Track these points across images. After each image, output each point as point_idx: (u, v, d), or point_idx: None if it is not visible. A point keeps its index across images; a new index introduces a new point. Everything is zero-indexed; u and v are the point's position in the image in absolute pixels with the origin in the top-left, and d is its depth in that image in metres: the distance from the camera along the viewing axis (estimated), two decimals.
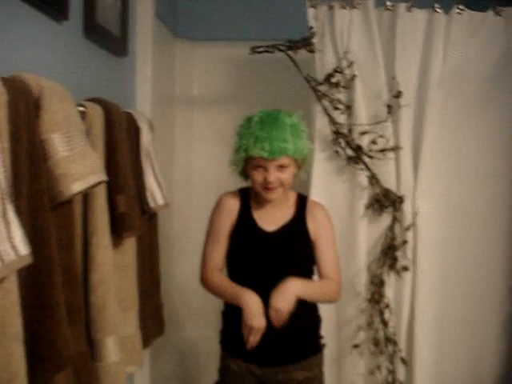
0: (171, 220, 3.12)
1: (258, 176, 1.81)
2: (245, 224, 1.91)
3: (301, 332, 1.88)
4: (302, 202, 1.94)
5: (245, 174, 1.91)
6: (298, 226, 1.90)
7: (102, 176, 1.36)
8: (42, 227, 1.22)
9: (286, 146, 1.76)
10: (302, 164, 1.89)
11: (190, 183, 3.19)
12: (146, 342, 2.02)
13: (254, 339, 1.73)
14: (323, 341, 1.97)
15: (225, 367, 1.94)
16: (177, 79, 3.05)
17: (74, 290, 1.42)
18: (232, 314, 1.84)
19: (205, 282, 1.94)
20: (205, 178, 3.14)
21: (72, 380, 1.28)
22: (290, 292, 1.74)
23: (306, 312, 1.87)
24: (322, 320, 1.97)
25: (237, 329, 1.79)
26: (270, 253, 1.86)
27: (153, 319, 2.11)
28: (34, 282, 1.21)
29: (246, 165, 1.86)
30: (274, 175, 1.78)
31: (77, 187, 1.26)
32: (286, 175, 1.81)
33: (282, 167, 1.79)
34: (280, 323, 1.73)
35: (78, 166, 1.28)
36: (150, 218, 2.09)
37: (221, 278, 1.91)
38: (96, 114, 1.60)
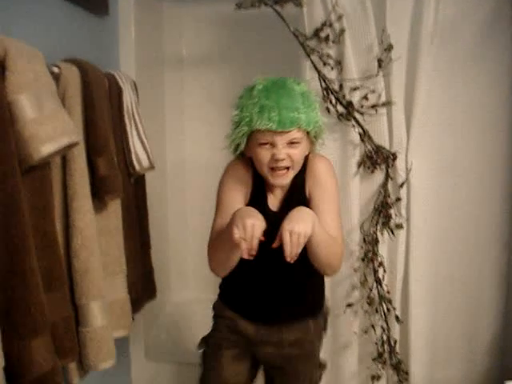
0: (165, 185, 3.09)
1: (264, 154, 1.51)
2: (256, 205, 1.57)
3: (305, 290, 1.72)
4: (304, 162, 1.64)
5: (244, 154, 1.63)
6: (297, 196, 1.63)
7: (74, 137, 1.32)
8: (11, 192, 1.19)
9: (298, 116, 1.48)
10: (316, 139, 1.62)
11: (182, 145, 3.15)
12: (137, 306, 2.01)
13: (248, 242, 1.36)
14: (326, 306, 1.86)
15: (218, 316, 1.80)
16: (164, 40, 2.98)
17: (53, 256, 1.40)
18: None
19: (210, 253, 1.62)
20: (197, 139, 3.10)
21: (50, 346, 1.26)
22: (307, 215, 1.43)
23: (313, 274, 1.66)
24: (324, 287, 1.83)
25: (237, 280, 1.67)
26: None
27: (143, 283, 2.10)
28: (5, 247, 1.19)
29: (248, 143, 1.57)
30: (283, 152, 1.49)
31: (46, 149, 1.23)
32: (298, 152, 1.53)
33: (292, 143, 1.51)
34: (296, 252, 1.38)
35: (48, 128, 1.24)
36: (136, 180, 2.06)
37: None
38: (71, 74, 1.56)
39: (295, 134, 1.50)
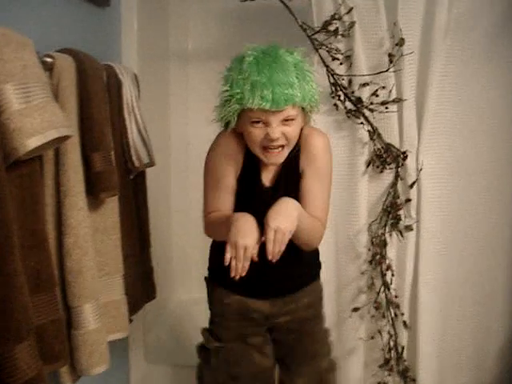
0: (169, 181, 3.03)
1: (256, 133, 1.43)
2: (249, 180, 1.58)
3: (302, 262, 1.66)
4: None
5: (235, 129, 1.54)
6: (291, 171, 1.57)
7: (64, 131, 1.25)
8: None
9: (293, 93, 1.37)
10: (311, 113, 1.53)
11: (186, 141, 3.08)
12: (135, 307, 1.95)
13: (238, 263, 1.34)
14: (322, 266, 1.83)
15: (224, 305, 1.70)
16: (169, 33, 2.91)
17: (42, 255, 1.33)
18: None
19: (206, 229, 1.62)
20: (202, 135, 3.02)
21: (35, 351, 1.19)
22: (291, 209, 1.39)
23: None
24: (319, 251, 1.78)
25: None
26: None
27: (142, 284, 2.03)
28: None
29: (239, 120, 1.48)
30: (278, 130, 1.41)
31: (33, 143, 1.15)
32: (293, 130, 1.45)
33: (287, 120, 1.43)
34: (279, 250, 1.35)
35: (35, 120, 1.17)
36: (136, 177, 1.99)
37: (219, 215, 1.55)
38: (66, 65, 1.49)
39: (290, 112, 1.42)
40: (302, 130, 1.55)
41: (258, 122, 1.43)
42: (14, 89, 1.15)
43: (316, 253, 1.78)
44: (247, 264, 1.34)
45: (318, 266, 1.82)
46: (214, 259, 1.76)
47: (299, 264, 1.67)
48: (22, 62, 1.19)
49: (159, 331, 2.69)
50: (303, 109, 1.49)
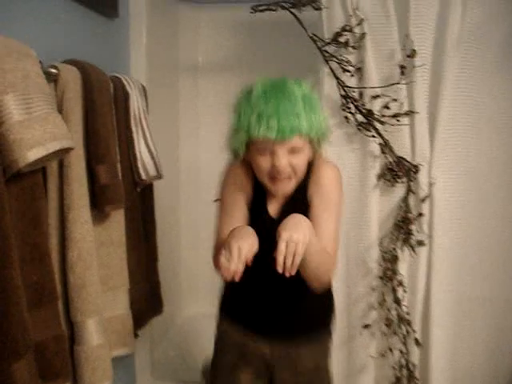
0: (178, 195, 3.00)
1: (263, 163, 1.42)
2: (256, 211, 1.55)
3: (311, 304, 1.61)
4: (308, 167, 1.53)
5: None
6: (299, 203, 1.52)
7: (66, 143, 1.23)
8: None
9: (299, 123, 1.37)
10: (319, 144, 1.50)
11: (196, 153, 3.06)
12: (140, 322, 1.92)
13: (231, 263, 1.26)
14: (334, 324, 1.73)
15: (226, 338, 1.68)
16: (180, 46, 2.90)
17: (43, 269, 1.30)
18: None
19: (215, 260, 1.54)
20: (212, 147, 3.00)
21: (34, 369, 1.16)
22: (304, 222, 1.32)
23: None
24: (333, 300, 1.72)
25: (242, 293, 1.57)
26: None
27: (148, 298, 2.00)
28: None
29: (248, 150, 1.47)
30: (284, 160, 1.40)
31: (33, 155, 1.13)
32: (300, 160, 1.44)
33: (293, 151, 1.42)
34: (294, 263, 1.26)
35: (36, 132, 1.15)
36: (143, 190, 1.96)
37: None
38: (71, 76, 1.47)
39: (296, 142, 1.40)
40: (312, 161, 1.52)
41: (264, 152, 1.41)
42: (15, 99, 1.13)
43: (329, 301, 1.70)
44: (241, 267, 1.26)
45: (328, 319, 1.71)
46: (223, 289, 1.72)
47: (306, 303, 1.60)
48: (23, 72, 1.17)
49: (166, 347, 2.66)
50: (312, 140, 1.46)
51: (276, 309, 1.58)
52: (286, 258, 1.26)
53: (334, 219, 1.51)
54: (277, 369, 1.63)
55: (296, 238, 1.26)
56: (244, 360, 1.65)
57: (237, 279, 1.26)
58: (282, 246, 1.25)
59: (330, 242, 1.47)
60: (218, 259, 1.42)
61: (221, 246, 1.44)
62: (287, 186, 1.47)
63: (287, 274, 1.27)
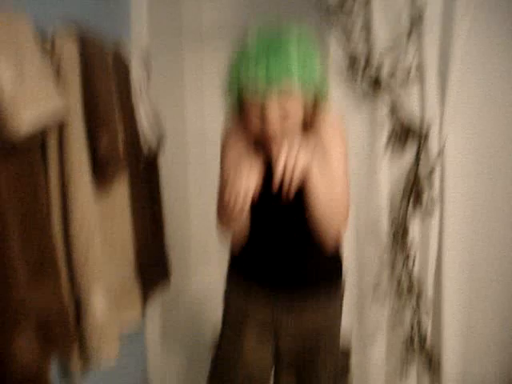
0: (186, 161, 2.98)
1: (255, 126, 1.40)
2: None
3: (318, 257, 1.57)
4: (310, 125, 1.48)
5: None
6: None
7: (58, 103, 1.19)
8: None
9: (289, 68, 1.30)
10: (315, 95, 1.41)
11: (203, 120, 3.01)
12: (148, 290, 1.90)
13: (237, 206, 1.29)
14: (344, 274, 1.69)
15: (231, 303, 1.70)
16: (183, 9, 2.83)
17: (44, 242, 1.27)
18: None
19: (218, 217, 1.56)
20: (219, 113, 2.96)
21: (35, 342, 1.15)
22: (309, 146, 1.34)
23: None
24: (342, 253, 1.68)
25: (249, 244, 1.56)
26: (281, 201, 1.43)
27: (155, 268, 1.98)
28: None
29: (241, 108, 1.43)
30: (275, 125, 1.36)
31: (26, 117, 1.09)
32: (292, 121, 1.38)
33: (286, 113, 1.36)
34: (295, 179, 1.27)
35: (28, 95, 1.11)
36: (148, 161, 1.93)
37: None
38: (68, 45, 1.41)
39: (287, 88, 1.32)
40: (312, 118, 1.46)
41: (255, 102, 1.35)
42: (6, 66, 1.09)
43: (335, 256, 1.65)
44: (247, 207, 1.30)
45: (336, 268, 1.67)
46: (231, 249, 1.71)
47: (312, 257, 1.57)
48: (14, 36, 1.13)
49: (177, 314, 2.66)
50: (305, 97, 1.39)
51: (283, 264, 1.56)
52: (286, 173, 1.27)
53: (342, 166, 1.48)
54: (283, 326, 1.63)
55: (296, 156, 1.28)
56: (250, 320, 1.64)
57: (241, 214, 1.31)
58: (281, 159, 1.28)
59: (340, 187, 1.45)
60: (222, 215, 1.51)
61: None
62: (281, 147, 1.38)
63: (286, 195, 1.29)
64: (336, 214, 1.45)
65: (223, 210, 1.47)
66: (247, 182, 1.32)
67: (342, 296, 1.68)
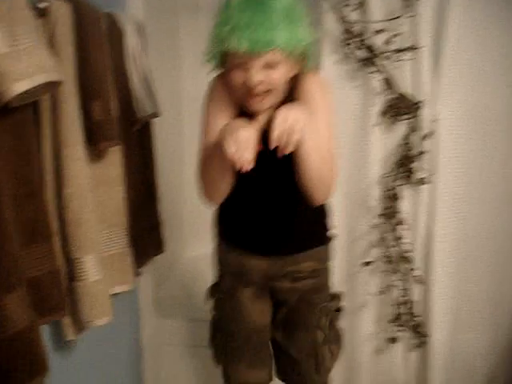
0: (181, 132, 2.99)
1: (237, 78, 1.37)
2: None
3: (308, 218, 1.61)
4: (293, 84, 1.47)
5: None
6: None
7: (53, 75, 1.20)
8: None
9: (274, 35, 1.29)
10: (302, 60, 1.42)
11: (199, 91, 3.01)
12: (141, 260, 1.93)
13: (246, 152, 1.23)
14: (332, 232, 1.72)
15: (224, 263, 1.72)
16: None
17: (38, 205, 1.30)
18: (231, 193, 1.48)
19: (200, 169, 1.50)
20: None
21: (26, 302, 1.17)
22: (302, 107, 1.32)
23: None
24: (330, 211, 1.70)
25: (236, 211, 1.55)
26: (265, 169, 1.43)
27: (149, 237, 2.01)
28: None
29: (223, 63, 1.43)
30: (257, 76, 1.34)
31: (20, 87, 1.11)
32: (277, 75, 1.37)
33: (269, 66, 1.34)
34: (294, 137, 1.24)
35: (23, 64, 1.12)
36: (142, 128, 1.95)
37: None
38: (62, 10, 1.43)
39: (272, 56, 1.32)
40: (297, 76, 1.46)
41: (238, 65, 1.36)
42: (0, 32, 1.10)
43: (324, 212, 1.68)
44: (251, 154, 1.23)
45: (326, 228, 1.70)
46: (217, 214, 1.73)
47: (303, 220, 1.60)
48: (8, 3, 1.14)
49: (170, 286, 2.70)
50: (294, 55, 1.38)
51: (271, 224, 1.58)
52: (284, 132, 1.23)
53: (328, 127, 1.46)
54: (276, 280, 1.65)
55: (293, 114, 1.25)
56: (243, 280, 1.67)
57: (246, 169, 1.24)
58: (279, 119, 1.24)
59: (327, 148, 1.43)
60: (204, 176, 1.48)
61: (208, 152, 1.44)
62: (263, 103, 1.42)
63: (284, 151, 1.26)
64: (325, 170, 1.43)
65: (212, 168, 1.43)
66: (247, 129, 1.27)
67: (330, 257, 1.73)
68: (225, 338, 1.75)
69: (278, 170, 1.47)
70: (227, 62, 1.40)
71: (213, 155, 1.40)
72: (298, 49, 1.37)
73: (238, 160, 1.22)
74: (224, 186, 1.45)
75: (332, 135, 1.47)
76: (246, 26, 1.28)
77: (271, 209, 1.54)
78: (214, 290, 1.78)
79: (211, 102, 1.54)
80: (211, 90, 1.55)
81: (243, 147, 1.22)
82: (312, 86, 1.47)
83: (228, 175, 1.40)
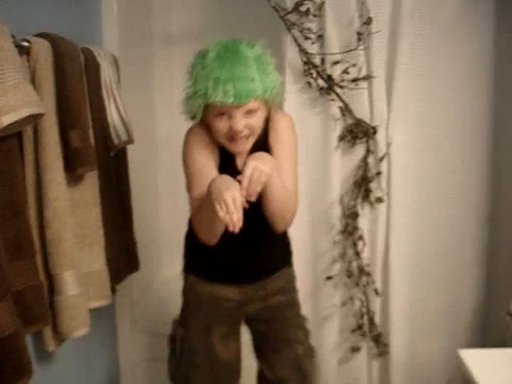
0: (156, 159, 3.12)
1: (221, 126, 1.52)
2: (225, 167, 1.62)
3: (275, 245, 1.79)
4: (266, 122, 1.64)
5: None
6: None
7: (36, 109, 1.35)
8: None
9: (254, 87, 1.45)
10: (273, 102, 1.60)
11: (172, 120, 3.14)
12: (117, 277, 2.06)
13: (235, 215, 1.34)
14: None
15: (195, 294, 1.79)
16: (152, 15, 2.99)
17: (21, 225, 1.44)
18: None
19: (194, 218, 1.61)
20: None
21: (12, 311, 1.30)
22: (267, 157, 1.48)
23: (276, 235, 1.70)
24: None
25: (209, 248, 1.60)
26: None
27: (124, 256, 2.14)
28: None
29: (205, 112, 1.55)
30: (241, 122, 1.49)
31: (7, 120, 1.25)
32: (256, 120, 1.54)
33: (250, 112, 1.51)
34: (256, 189, 1.40)
35: (10, 99, 1.27)
36: (117, 154, 2.09)
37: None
38: (42, 48, 1.58)
39: (252, 104, 1.49)
40: (268, 115, 1.64)
41: (221, 114, 1.50)
42: None
43: (287, 240, 1.86)
44: (241, 214, 1.35)
45: (289, 252, 1.88)
46: (187, 248, 1.85)
47: (269, 249, 1.77)
48: None
49: (146, 304, 2.80)
50: (267, 99, 1.55)
51: (242, 254, 1.72)
52: (251, 183, 1.40)
53: (292, 165, 1.65)
54: (249, 304, 1.78)
55: (261, 167, 1.41)
56: (216, 317, 1.78)
57: (237, 229, 1.36)
58: (248, 172, 1.40)
59: (291, 183, 1.62)
60: (198, 223, 1.58)
61: (200, 204, 1.55)
62: (245, 145, 1.58)
63: (249, 199, 1.41)
64: (289, 205, 1.63)
65: (205, 216, 1.53)
66: (233, 190, 1.37)
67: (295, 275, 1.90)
68: (189, 369, 1.82)
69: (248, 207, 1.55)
70: (208, 112, 1.54)
71: (204, 207, 1.50)
72: (271, 93, 1.55)
73: (229, 222, 1.35)
74: (219, 228, 1.54)
75: (296, 171, 1.67)
76: (229, 79, 1.42)
77: (242, 240, 1.57)
78: (177, 327, 1.87)
79: (192, 154, 1.63)
80: (190, 142, 1.65)
81: (231, 210, 1.34)
82: (282, 125, 1.67)
83: (221, 221, 1.48)
